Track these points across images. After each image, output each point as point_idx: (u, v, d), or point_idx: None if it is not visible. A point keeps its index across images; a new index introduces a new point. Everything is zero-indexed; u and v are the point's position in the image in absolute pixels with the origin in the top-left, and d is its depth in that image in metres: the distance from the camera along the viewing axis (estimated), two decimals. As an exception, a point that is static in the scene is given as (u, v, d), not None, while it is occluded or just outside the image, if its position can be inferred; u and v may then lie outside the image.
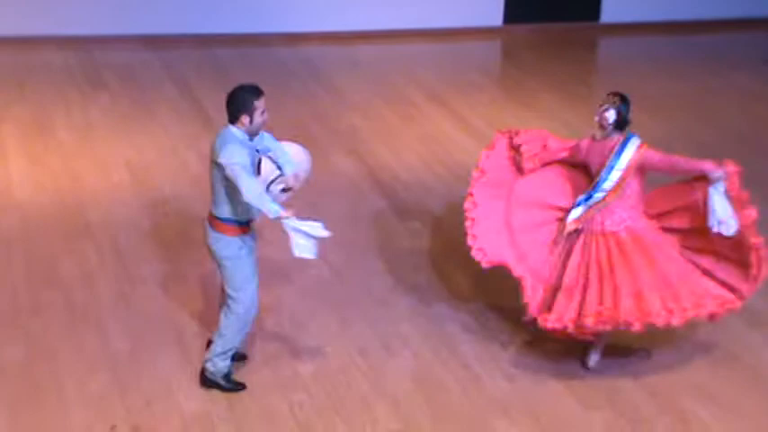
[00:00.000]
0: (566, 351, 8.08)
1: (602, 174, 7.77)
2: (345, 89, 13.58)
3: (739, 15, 16.70)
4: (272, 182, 7.34)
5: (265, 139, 7.32)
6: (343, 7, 15.49)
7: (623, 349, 8.15)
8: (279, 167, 7.33)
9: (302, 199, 10.17)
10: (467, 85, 13.88)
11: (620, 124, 7.78)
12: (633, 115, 7.87)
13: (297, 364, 7.85)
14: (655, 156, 7.72)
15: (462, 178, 11.04)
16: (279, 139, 7.46)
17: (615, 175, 7.73)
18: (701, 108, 11.77)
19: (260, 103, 7.03)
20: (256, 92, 7.06)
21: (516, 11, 16.13)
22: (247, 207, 7.14)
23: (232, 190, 7.04)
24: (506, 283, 8.96)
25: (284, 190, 7.45)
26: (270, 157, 7.32)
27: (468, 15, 15.92)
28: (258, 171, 7.18)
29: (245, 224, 7.27)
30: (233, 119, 7.05)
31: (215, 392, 7.51)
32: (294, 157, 7.45)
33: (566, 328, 7.66)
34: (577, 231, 7.91)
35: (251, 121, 7.04)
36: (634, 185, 7.81)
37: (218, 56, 14.72)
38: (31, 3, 14.53)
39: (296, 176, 7.39)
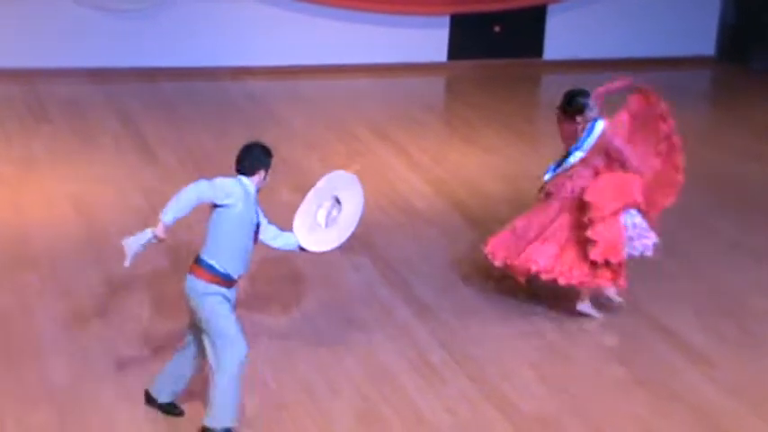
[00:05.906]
0: (506, 385, 8.11)
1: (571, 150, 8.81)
2: (290, 123, 13.59)
3: (677, 54, 16.94)
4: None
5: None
6: (289, 42, 15.52)
7: (563, 384, 8.20)
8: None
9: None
10: (411, 121, 13.94)
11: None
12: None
13: (241, 399, 7.81)
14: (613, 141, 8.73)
15: (406, 212, 11.09)
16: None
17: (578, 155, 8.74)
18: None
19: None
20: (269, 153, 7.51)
21: (460, 47, 16.24)
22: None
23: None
24: (451, 318, 9.01)
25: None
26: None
27: (413, 51, 16.01)
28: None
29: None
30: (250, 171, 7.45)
31: (157, 426, 7.46)
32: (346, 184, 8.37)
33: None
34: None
35: (264, 178, 7.51)
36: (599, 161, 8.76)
37: (164, 89, 14.69)
38: (-27, 34, 14.45)
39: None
